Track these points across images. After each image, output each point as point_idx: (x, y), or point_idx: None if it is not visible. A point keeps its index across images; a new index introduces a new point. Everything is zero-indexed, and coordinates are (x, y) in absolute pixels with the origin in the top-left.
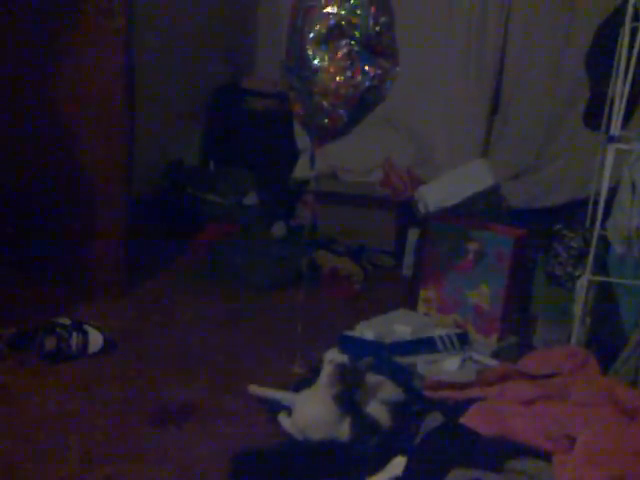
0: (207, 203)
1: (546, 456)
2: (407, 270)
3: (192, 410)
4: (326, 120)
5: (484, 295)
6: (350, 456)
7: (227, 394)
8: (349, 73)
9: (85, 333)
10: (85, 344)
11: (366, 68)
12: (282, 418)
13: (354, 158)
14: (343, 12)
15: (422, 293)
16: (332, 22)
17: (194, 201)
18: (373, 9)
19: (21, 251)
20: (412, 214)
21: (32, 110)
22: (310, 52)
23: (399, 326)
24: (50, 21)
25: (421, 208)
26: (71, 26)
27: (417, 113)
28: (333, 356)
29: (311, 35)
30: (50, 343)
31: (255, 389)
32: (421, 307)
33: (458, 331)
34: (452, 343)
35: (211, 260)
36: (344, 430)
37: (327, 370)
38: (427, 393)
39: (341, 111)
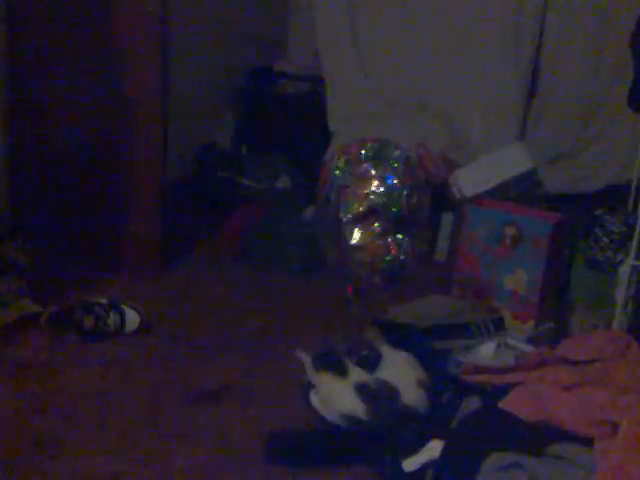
0: (239, 186)
1: (587, 442)
2: (440, 255)
3: (226, 390)
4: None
5: (521, 280)
6: (385, 439)
7: (260, 375)
8: (385, 251)
9: (122, 312)
10: (122, 323)
11: (400, 238)
12: (313, 398)
13: None
14: (382, 199)
15: (457, 278)
16: (369, 205)
17: (226, 184)
18: (405, 192)
19: (60, 232)
20: (446, 199)
21: (65, 95)
22: (347, 233)
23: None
24: (82, 6)
25: (456, 193)
26: (104, 9)
27: (452, 97)
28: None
29: (348, 216)
30: (88, 322)
31: (301, 354)
32: (456, 292)
33: (493, 316)
34: (487, 328)
35: (243, 243)
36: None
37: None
38: (464, 377)
39: (377, 280)
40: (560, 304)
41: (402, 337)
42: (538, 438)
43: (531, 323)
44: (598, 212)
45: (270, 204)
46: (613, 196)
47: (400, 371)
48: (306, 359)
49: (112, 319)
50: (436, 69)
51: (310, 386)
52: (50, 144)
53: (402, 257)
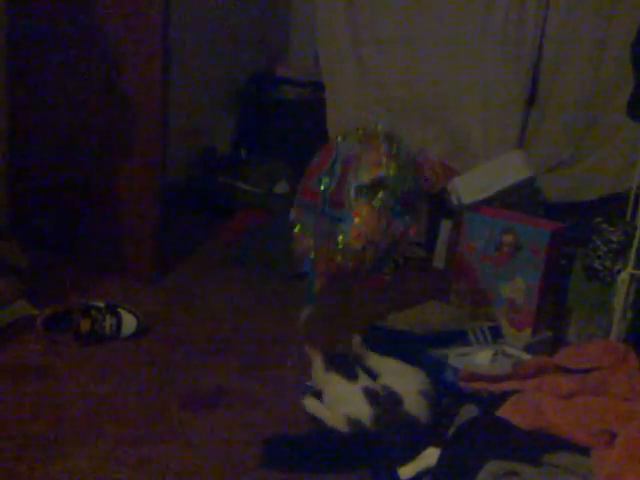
0: (238, 190)
1: (584, 450)
2: (438, 262)
3: (222, 394)
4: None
5: (518, 288)
6: (381, 446)
7: (257, 379)
8: (384, 223)
9: (119, 316)
10: (118, 327)
11: (397, 220)
12: (308, 402)
13: None
14: (392, 172)
15: (454, 285)
16: (379, 175)
17: (225, 188)
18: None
19: (57, 235)
20: (445, 206)
21: (66, 96)
22: (353, 200)
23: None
24: (85, 8)
25: (454, 200)
26: (107, 12)
27: (452, 104)
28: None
29: (355, 184)
30: (85, 325)
31: (311, 352)
32: (453, 299)
33: (491, 324)
34: (484, 336)
35: (241, 247)
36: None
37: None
38: (461, 385)
39: (370, 255)
40: (558, 312)
41: (400, 344)
42: (535, 446)
43: (528, 331)
44: (597, 221)
45: (268, 209)
46: (612, 205)
47: (403, 380)
48: (317, 358)
49: (109, 322)
50: (436, 76)
51: (303, 390)
52: (49, 147)
53: (397, 236)
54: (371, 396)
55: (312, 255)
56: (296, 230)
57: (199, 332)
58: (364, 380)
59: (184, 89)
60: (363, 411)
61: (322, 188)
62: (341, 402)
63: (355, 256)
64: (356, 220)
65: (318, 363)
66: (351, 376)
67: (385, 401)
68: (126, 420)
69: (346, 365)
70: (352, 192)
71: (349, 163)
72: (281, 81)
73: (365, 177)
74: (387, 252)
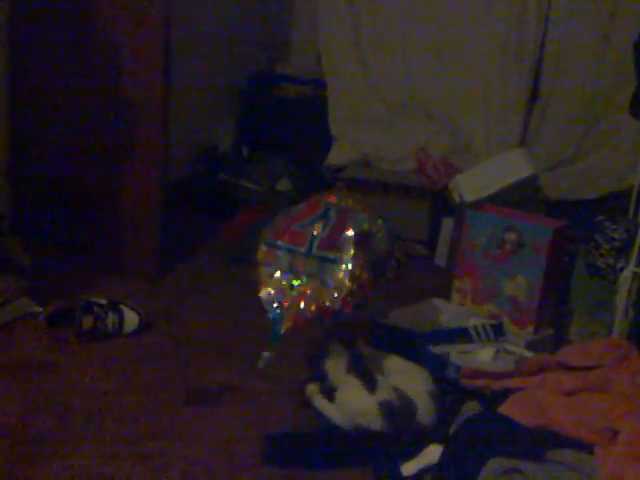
0: (240, 188)
1: (587, 448)
2: (440, 260)
3: (225, 391)
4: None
5: (520, 286)
6: (383, 442)
7: (259, 377)
8: (370, 272)
9: (121, 313)
10: (121, 324)
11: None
12: (319, 401)
13: (389, 146)
14: (381, 230)
15: (456, 283)
16: (377, 225)
17: (227, 186)
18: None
19: (60, 231)
20: (446, 203)
21: (67, 95)
22: (351, 245)
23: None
24: (86, 7)
25: (456, 198)
26: (109, 11)
27: (453, 101)
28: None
29: (357, 229)
30: (87, 322)
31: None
32: (455, 297)
33: (493, 322)
34: (486, 334)
35: (243, 245)
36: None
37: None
38: (463, 382)
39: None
40: (560, 310)
41: (401, 342)
42: (538, 444)
43: (530, 329)
44: (599, 218)
45: (270, 207)
46: (614, 203)
47: (410, 379)
48: (342, 354)
49: (111, 319)
50: (438, 74)
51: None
52: (51, 144)
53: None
54: (387, 412)
55: (279, 298)
56: (262, 271)
57: (201, 329)
58: (381, 392)
59: (185, 87)
60: (376, 423)
61: (313, 231)
62: (355, 411)
63: (344, 296)
64: (352, 263)
65: (342, 359)
66: (371, 387)
67: (400, 413)
68: (128, 417)
69: (367, 372)
70: (352, 237)
71: (345, 213)
72: (283, 79)
73: (364, 225)
74: (365, 298)
